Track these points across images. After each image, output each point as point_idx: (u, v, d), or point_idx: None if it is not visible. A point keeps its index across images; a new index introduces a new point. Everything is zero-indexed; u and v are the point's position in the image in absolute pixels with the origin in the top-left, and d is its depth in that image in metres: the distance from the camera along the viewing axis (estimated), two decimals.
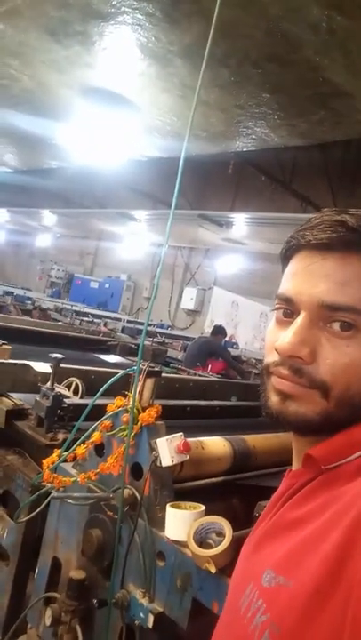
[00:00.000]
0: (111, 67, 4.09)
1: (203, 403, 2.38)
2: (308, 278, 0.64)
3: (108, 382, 1.25)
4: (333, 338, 0.61)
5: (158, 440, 1.17)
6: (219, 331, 6.80)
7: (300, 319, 0.63)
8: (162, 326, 10.54)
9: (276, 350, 0.65)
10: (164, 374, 2.79)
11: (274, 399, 0.65)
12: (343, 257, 0.62)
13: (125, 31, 3.46)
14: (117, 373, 1.32)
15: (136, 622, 1.09)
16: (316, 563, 0.51)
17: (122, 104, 4.75)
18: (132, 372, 1.25)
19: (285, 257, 0.70)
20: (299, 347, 0.62)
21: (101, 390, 1.27)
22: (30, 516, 1.33)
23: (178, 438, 1.19)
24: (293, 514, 0.61)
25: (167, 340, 7.20)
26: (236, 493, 1.41)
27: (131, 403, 1.22)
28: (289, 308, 0.66)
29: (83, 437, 1.27)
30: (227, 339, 9.36)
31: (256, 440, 1.58)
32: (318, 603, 0.49)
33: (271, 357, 0.66)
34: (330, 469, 0.61)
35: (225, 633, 0.65)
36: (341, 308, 0.61)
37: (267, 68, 3.51)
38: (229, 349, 7.69)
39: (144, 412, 1.22)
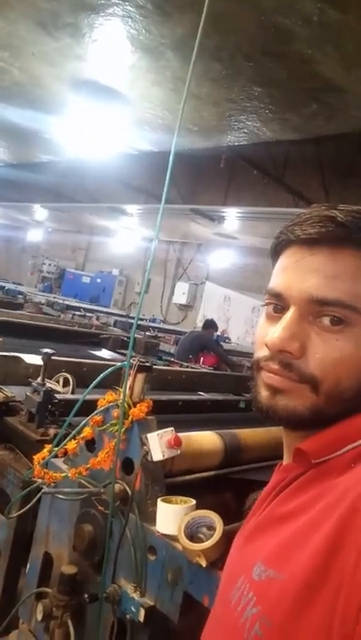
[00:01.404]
0: (102, 59, 4.06)
1: (195, 397, 2.38)
2: (297, 273, 0.64)
3: (99, 377, 1.25)
4: (323, 332, 0.62)
5: (149, 435, 1.17)
6: (210, 324, 6.83)
7: (290, 314, 0.63)
8: (154, 321, 10.53)
9: (265, 345, 0.65)
10: (156, 366, 2.80)
11: (264, 394, 0.65)
12: (332, 252, 0.62)
13: (116, 23, 3.43)
14: (109, 366, 1.32)
15: (127, 616, 1.09)
16: (307, 555, 0.51)
17: (113, 97, 4.72)
18: (123, 367, 1.25)
19: (275, 252, 0.70)
20: (288, 341, 0.62)
21: (92, 386, 1.26)
22: (21, 511, 1.33)
23: (169, 433, 1.18)
24: (284, 507, 0.61)
25: (160, 334, 7.20)
26: (228, 487, 1.42)
27: (121, 398, 1.21)
28: (279, 304, 0.66)
29: (73, 432, 1.27)
30: (219, 333, 9.38)
31: (247, 434, 1.59)
32: (309, 595, 0.49)
33: (261, 352, 0.66)
34: (320, 463, 0.61)
35: (216, 625, 0.66)
36: (331, 302, 0.61)
37: (259, 61, 3.49)
38: (222, 344, 7.71)
39: (135, 406, 1.22)
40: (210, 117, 4.74)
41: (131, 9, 3.21)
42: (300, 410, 0.62)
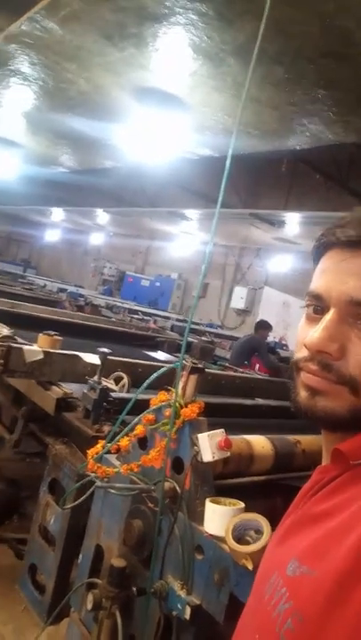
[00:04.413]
0: (164, 67, 4.13)
1: (248, 402, 2.37)
2: (337, 275, 0.64)
3: (152, 377, 1.28)
4: None
5: (200, 435, 1.19)
6: (260, 326, 6.61)
7: (330, 315, 0.63)
8: (211, 326, 10.54)
9: (305, 346, 0.65)
10: (211, 370, 2.81)
11: (303, 394, 0.65)
12: None
13: (178, 32, 3.48)
14: (165, 368, 1.35)
15: (173, 613, 1.11)
16: (341, 554, 0.51)
17: (174, 104, 4.79)
18: (176, 368, 1.27)
19: (317, 254, 0.71)
20: (327, 342, 0.62)
21: (144, 385, 1.30)
22: (75, 503, 1.38)
23: (219, 434, 1.20)
24: (320, 507, 0.61)
25: (216, 340, 7.18)
26: (278, 493, 1.41)
27: (173, 397, 1.24)
28: (319, 305, 0.66)
29: (126, 430, 1.30)
30: (277, 340, 9.23)
31: (303, 441, 1.57)
32: (340, 595, 0.50)
33: (301, 353, 0.67)
34: (358, 465, 0.61)
35: (249, 620, 0.67)
36: None
37: (322, 63, 3.43)
38: (280, 351, 7.56)
39: (187, 407, 1.24)
40: (271, 121, 4.70)
41: (193, 17, 3.25)
42: (339, 411, 0.62)
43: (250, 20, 3.07)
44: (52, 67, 4.62)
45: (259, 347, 6.23)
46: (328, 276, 0.66)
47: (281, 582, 0.58)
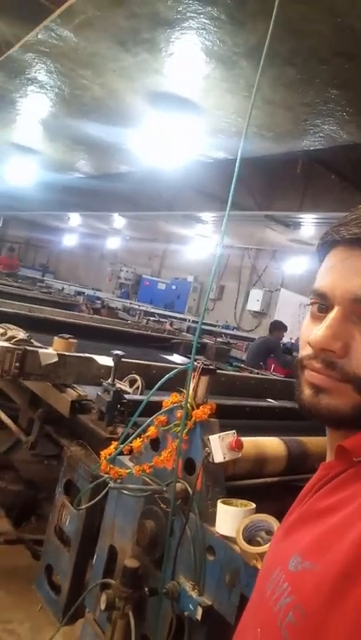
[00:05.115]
0: (177, 72, 4.15)
1: (262, 403, 2.37)
2: (342, 273, 0.65)
3: (163, 379, 1.29)
4: None
5: (211, 437, 1.19)
6: (275, 327, 6.61)
7: (334, 313, 0.64)
8: (227, 328, 10.52)
9: (309, 344, 0.65)
10: (226, 372, 2.81)
11: (307, 392, 0.65)
12: None
13: (191, 36, 3.50)
14: (176, 369, 1.35)
15: (185, 614, 1.11)
16: (344, 549, 0.52)
17: (188, 107, 4.81)
18: (187, 369, 1.28)
19: (321, 252, 0.72)
20: (331, 340, 0.62)
21: (156, 387, 1.31)
22: (90, 504, 1.40)
23: (230, 436, 1.20)
24: (323, 503, 0.61)
25: (232, 341, 7.17)
26: (290, 494, 1.40)
27: (184, 399, 1.25)
28: (324, 303, 0.66)
29: (138, 431, 1.32)
30: (293, 341, 9.17)
31: (315, 443, 1.56)
32: (345, 586, 0.50)
33: (305, 351, 0.67)
34: None
35: (251, 615, 0.67)
36: None
37: (334, 63, 3.41)
38: (296, 353, 7.51)
39: (198, 408, 1.25)
40: (284, 123, 4.68)
41: (205, 21, 3.26)
42: (343, 409, 0.62)
43: (262, 20, 3.06)
44: (67, 74, 4.68)
45: (274, 348, 6.22)
46: (333, 274, 0.66)
47: (283, 577, 0.58)
